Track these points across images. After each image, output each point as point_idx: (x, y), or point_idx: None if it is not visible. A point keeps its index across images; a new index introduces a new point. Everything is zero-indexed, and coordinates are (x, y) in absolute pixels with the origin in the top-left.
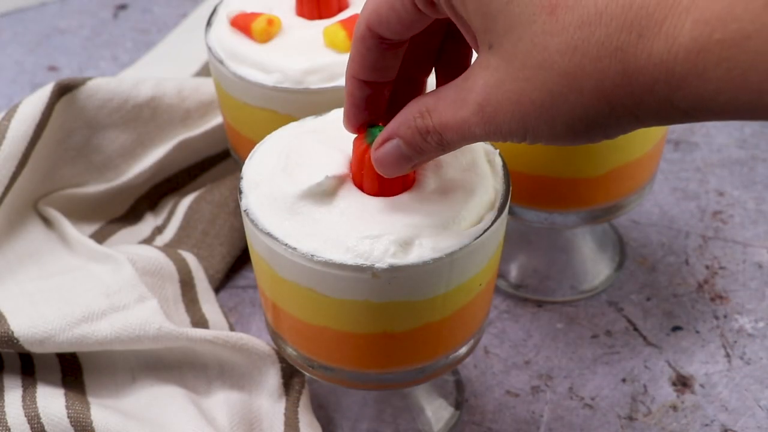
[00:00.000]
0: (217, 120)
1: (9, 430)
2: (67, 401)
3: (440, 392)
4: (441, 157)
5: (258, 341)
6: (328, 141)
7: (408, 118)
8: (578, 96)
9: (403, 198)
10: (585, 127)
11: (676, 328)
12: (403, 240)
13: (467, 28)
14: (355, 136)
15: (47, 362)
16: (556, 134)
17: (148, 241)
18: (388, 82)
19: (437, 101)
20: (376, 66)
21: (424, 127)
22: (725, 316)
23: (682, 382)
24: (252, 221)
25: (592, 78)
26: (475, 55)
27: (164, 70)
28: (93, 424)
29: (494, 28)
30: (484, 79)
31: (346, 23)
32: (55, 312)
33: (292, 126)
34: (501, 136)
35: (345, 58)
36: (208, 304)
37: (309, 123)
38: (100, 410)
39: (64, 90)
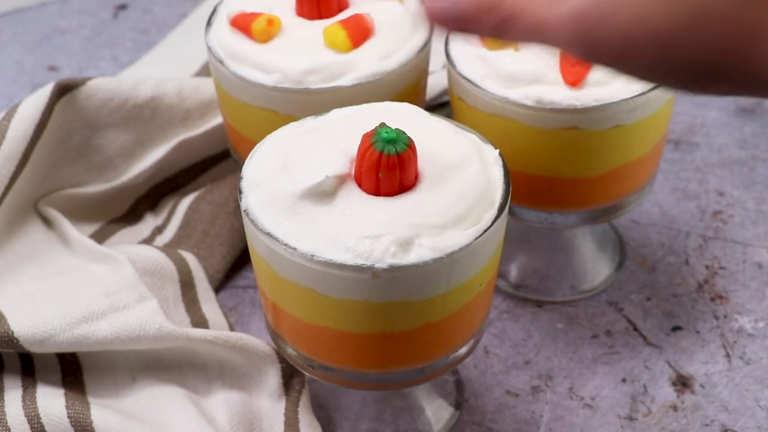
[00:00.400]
0: (217, 120)
1: (9, 430)
2: (67, 401)
3: (440, 392)
4: (441, 157)
5: (258, 341)
6: (328, 141)
7: None
8: (703, 34)
9: (403, 198)
10: (695, 71)
11: (676, 328)
12: (403, 240)
13: None
14: (358, 135)
15: (47, 362)
16: (663, 69)
17: (148, 241)
18: None
19: None
20: None
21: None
22: (725, 316)
23: (682, 382)
24: (252, 221)
25: (720, 19)
26: None
27: (164, 70)
28: (93, 424)
29: None
30: None
31: (346, 23)
32: (55, 312)
33: (292, 126)
34: (588, 50)
35: (345, 58)
36: (208, 304)
37: (309, 123)
38: (100, 410)
39: (64, 90)
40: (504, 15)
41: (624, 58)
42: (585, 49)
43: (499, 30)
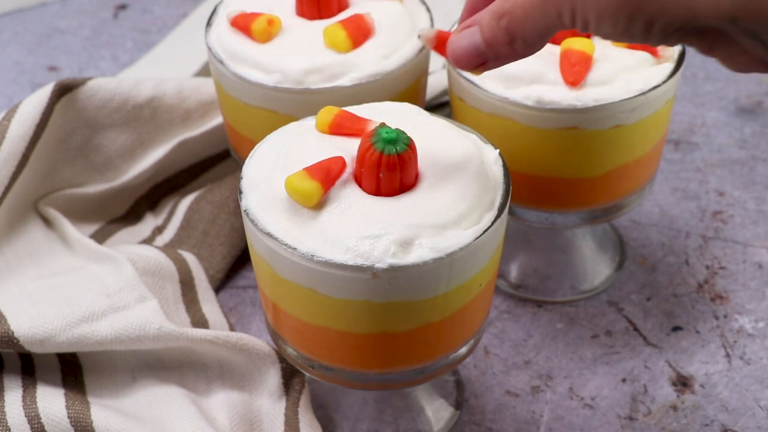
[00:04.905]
0: (217, 120)
1: (9, 430)
2: (67, 401)
3: (440, 392)
4: (441, 157)
5: (258, 341)
6: (328, 141)
7: (486, 10)
8: None
9: (403, 198)
10: (633, 7)
11: (676, 328)
12: (403, 240)
13: None
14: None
15: (47, 362)
16: (601, 4)
17: (148, 241)
18: None
19: None
20: None
21: (497, 12)
22: (725, 316)
23: (682, 382)
24: (252, 221)
25: None
26: None
27: (164, 70)
28: (93, 425)
29: None
30: None
31: (346, 23)
32: (56, 312)
33: (292, 126)
34: (554, 2)
35: (345, 58)
36: (208, 304)
37: (309, 123)
38: (100, 410)
39: (64, 90)
40: (502, 15)
41: (575, 5)
42: (550, 15)
43: (511, 37)
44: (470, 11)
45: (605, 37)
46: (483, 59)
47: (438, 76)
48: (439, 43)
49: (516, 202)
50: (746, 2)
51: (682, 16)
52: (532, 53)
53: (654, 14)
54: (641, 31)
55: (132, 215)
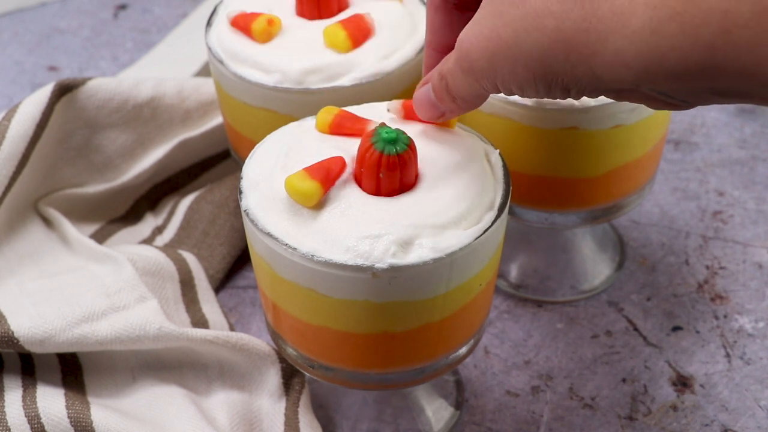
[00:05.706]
0: (217, 120)
1: (9, 430)
2: (67, 401)
3: (440, 392)
4: (441, 157)
5: (258, 341)
6: (328, 141)
7: (436, 69)
8: (539, 35)
9: (403, 198)
10: (543, 72)
11: (676, 328)
12: (403, 240)
13: None
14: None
15: (47, 362)
16: (518, 77)
17: (148, 241)
18: None
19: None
20: (445, 29)
21: (440, 73)
22: (725, 316)
23: (682, 382)
24: (252, 221)
25: (554, 17)
26: None
27: (164, 70)
28: (93, 425)
29: None
30: (471, 19)
31: (346, 23)
32: (55, 312)
33: (292, 126)
34: (475, 77)
35: (345, 58)
36: (208, 304)
37: (309, 123)
38: (100, 410)
39: (64, 90)
40: (442, 77)
41: (495, 74)
42: (471, 78)
43: (452, 97)
44: (428, 67)
45: (531, 98)
46: (440, 112)
47: None
48: (407, 110)
49: (516, 202)
50: (644, 73)
51: (593, 84)
52: (475, 107)
53: (567, 83)
54: (561, 95)
55: (132, 215)
